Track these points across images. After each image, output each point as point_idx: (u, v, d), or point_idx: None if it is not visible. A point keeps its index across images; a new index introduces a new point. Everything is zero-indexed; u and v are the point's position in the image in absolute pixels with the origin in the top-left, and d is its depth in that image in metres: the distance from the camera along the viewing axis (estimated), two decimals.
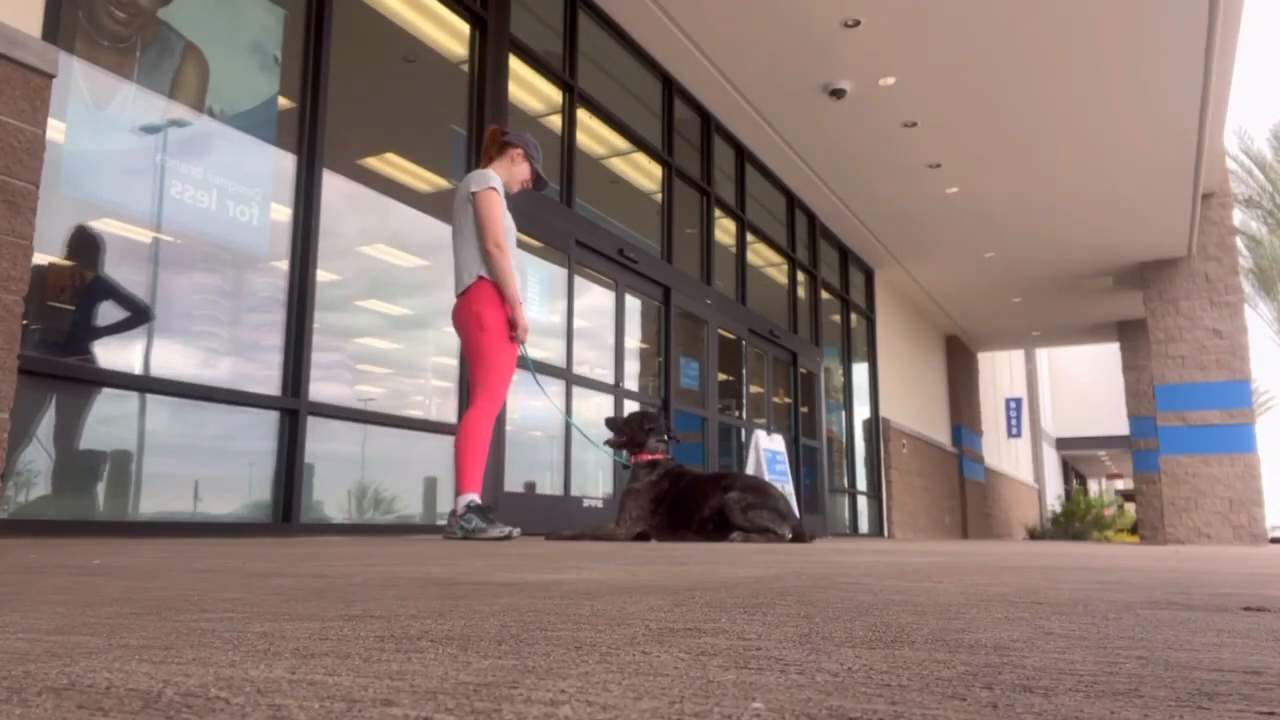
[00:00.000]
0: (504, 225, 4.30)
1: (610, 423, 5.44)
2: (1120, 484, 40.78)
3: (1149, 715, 0.52)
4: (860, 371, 13.63)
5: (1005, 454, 24.03)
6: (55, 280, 3.71)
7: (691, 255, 8.83)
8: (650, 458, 5.21)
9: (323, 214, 4.83)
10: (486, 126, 6.06)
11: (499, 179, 4.38)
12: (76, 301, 3.79)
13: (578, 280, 6.99)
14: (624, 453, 5.41)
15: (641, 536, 5.10)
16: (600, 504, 7.04)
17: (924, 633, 0.91)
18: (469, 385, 4.34)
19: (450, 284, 4.49)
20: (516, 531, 4.46)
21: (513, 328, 4.28)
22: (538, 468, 6.53)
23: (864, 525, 13.18)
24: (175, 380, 4.05)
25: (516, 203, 6.13)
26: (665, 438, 5.34)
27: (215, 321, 4.29)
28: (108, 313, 3.91)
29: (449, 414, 5.68)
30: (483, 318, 4.20)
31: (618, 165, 7.99)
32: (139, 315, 4.01)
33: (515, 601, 1.18)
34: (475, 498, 4.13)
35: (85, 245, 3.82)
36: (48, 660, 0.66)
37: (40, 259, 3.61)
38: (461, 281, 4.32)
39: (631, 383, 7.64)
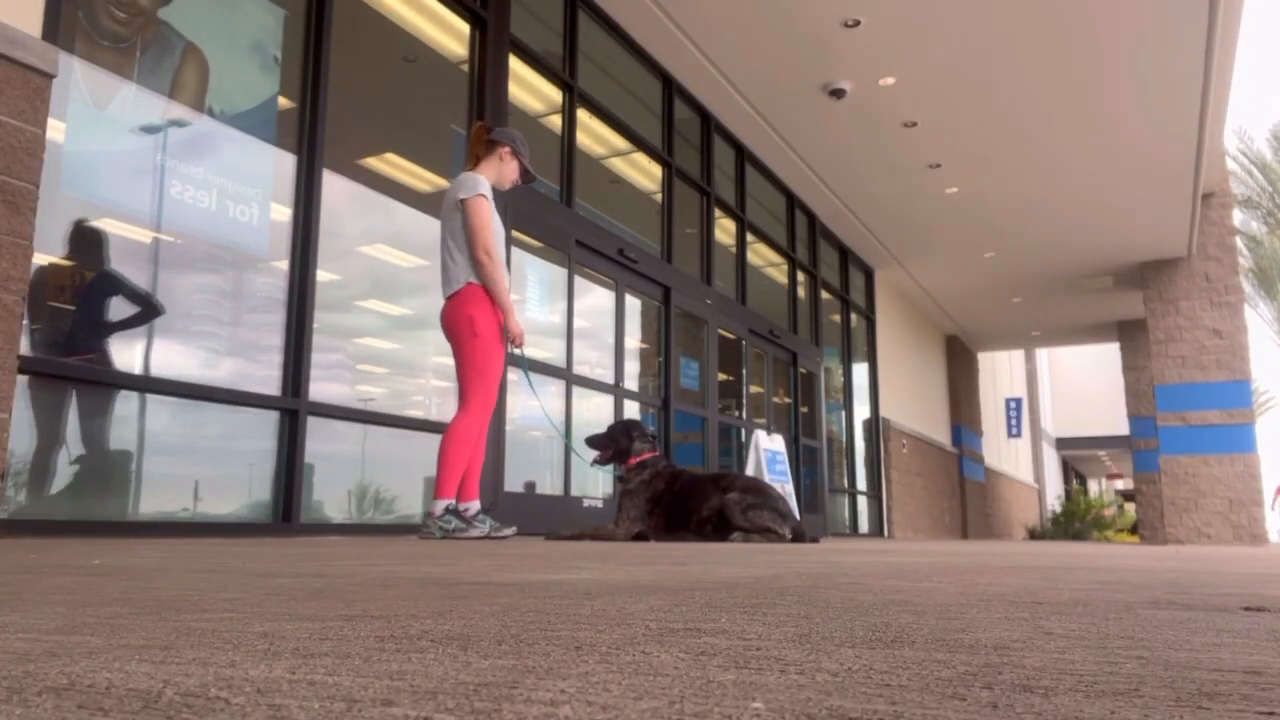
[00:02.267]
0: (494, 230, 4.29)
1: (592, 441, 5.27)
2: (1120, 484, 40.78)
3: (1149, 715, 0.52)
4: (860, 371, 13.63)
5: (1005, 454, 24.03)
6: (60, 280, 3.71)
7: (691, 255, 8.83)
8: (637, 460, 5.20)
9: (323, 214, 4.83)
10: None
11: (487, 183, 4.36)
12: (84, 299, 3.79)
13: (578, 280, 6.99)
14: (616, 466, 5.38)
15: (640, 537, 5.10)
16: (600, 504, 7.04)
17: (924, 633, 0.91)
18: (459, 389, 4.31)
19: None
20: (512, 530, 4.48)
21: (507, 334, 4.29)
22: (538, 468, 6.53)
23: (864, 525, 13.18)
24: (175, 380, 4.05)
25: (515, 204, 6.14)
26: (649, 439, 5.36)
27: (215, 321, 4.29)
28: (117, 310, 3.91)
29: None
30: (475, 322, 4.19)
31: (618, 165, 7.99)
32: (149, 310, 4.02)
33: (515, 601, 1.18)
34: (452, 502, 4.17)
35: (89, 243, 3.82)
36: (48, 660, 0.66)
37: (43, 259, 3.61)
38: (450, 284, 4.31)
39: (631, 383, 7.64)
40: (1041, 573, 2.13)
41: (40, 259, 3.61)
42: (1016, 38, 7.59)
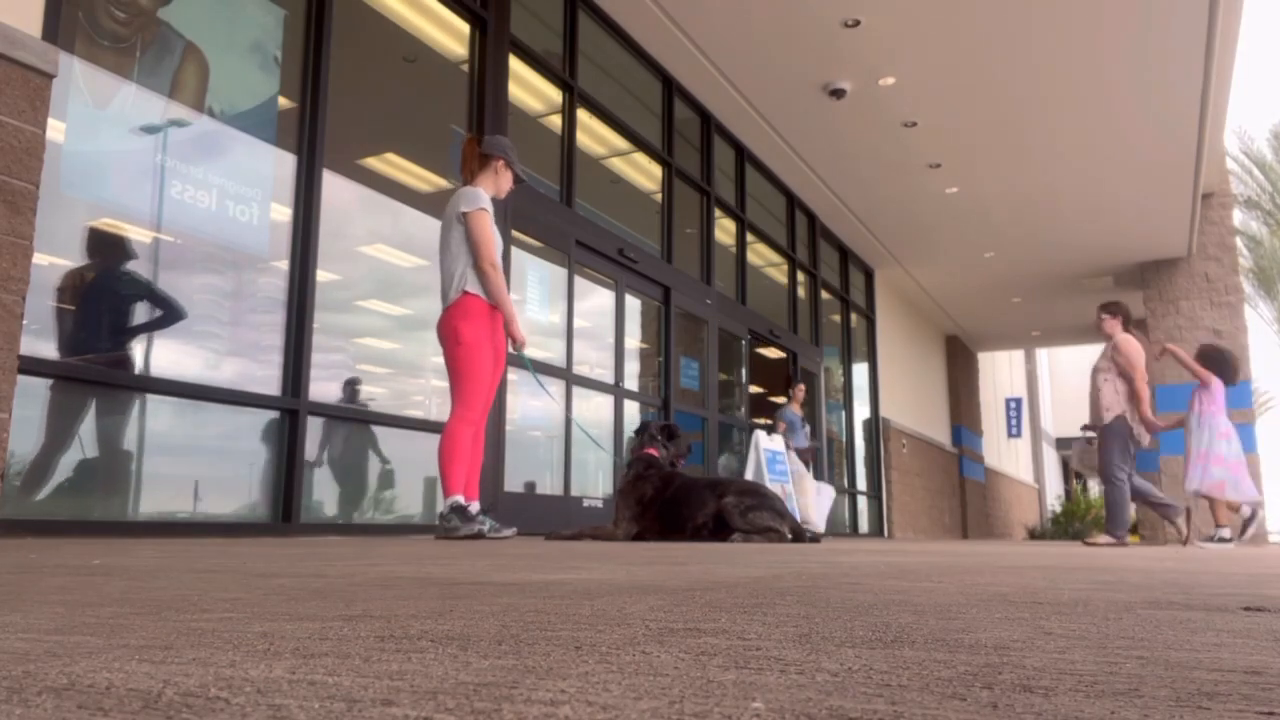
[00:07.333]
0: (496, 243, 4.40)
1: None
2: None
3: (1149, 715, 0.52)
4: (860, 371, 13.62)
5: (1005, 454, 24.03)
6: (68, 280, 3.71)
7: (691, 255, 8.83)
8: (634, 457, 5.34)
9: (323, 214, 4.83)
10: (486, 126, 6.06)
11: (487, 196, 4.45)
12: (95, 299, 3.79)
13: (578, 280, 6.99)
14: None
15: (639, 537, 5.10)
16: (600, 504, 7.04)
17: (924, 633, 0.91)
18: (451, 394, 4.41)
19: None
20: (512, 531, 4.54)
21: (513, 340, 4.40)
22: (538, 468, 6.53)
23: (864, 525, 13.18)
24: (176, 380, 4.05)
25: (515, 204, 6.14)
26: (655, 435, 5.43)
27: (216, 322, 4.29)
28: (128, 310, 3.91)
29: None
30: (460, 332, 4.30)
31: (618, 165, 7.99)
32: (168, 314, 4.07)
33: (515, 601, 1.18)
34: (459, 499, 4.26)
35: (102, 244, 3.82)
36: (48, 660, 0.66)
37: (43, 258, 3.61)
38: (447, 295, 4.41)
39: (631, 383, 7.64)
40: (1041, 573, 2.13)
41: (42, 259, 3.61)
42: (1016, 37, 7.59)
